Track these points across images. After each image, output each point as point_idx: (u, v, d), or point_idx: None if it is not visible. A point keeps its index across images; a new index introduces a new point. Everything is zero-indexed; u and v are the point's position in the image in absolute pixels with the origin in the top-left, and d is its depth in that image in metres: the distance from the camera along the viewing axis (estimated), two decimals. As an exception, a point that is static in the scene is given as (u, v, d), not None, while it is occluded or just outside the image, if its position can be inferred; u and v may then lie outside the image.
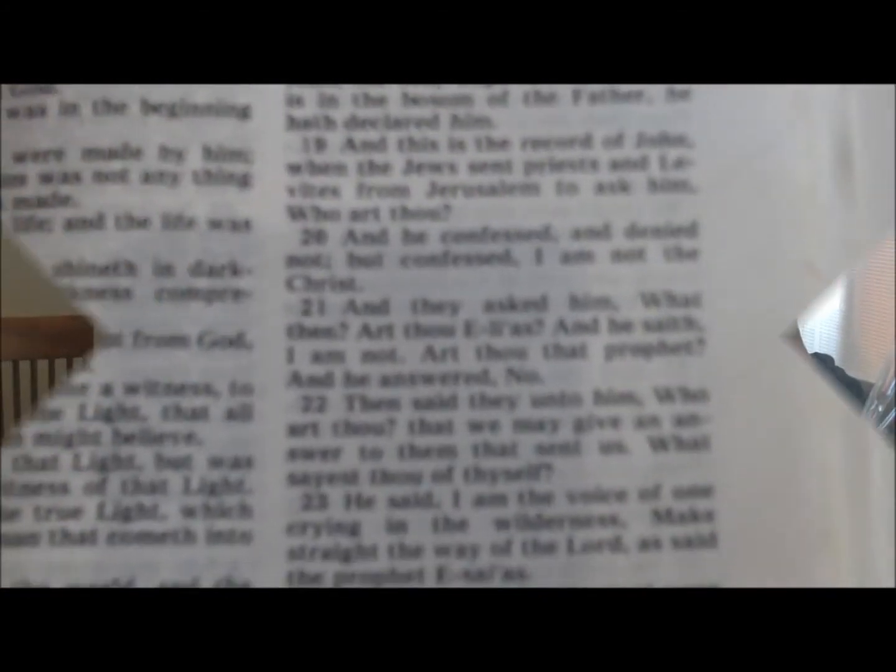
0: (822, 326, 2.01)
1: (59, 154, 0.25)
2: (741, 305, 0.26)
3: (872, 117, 0.27)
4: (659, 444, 0.26)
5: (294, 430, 0.25)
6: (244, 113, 0.26)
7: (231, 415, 0.25)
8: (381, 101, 0.26)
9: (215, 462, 0.25)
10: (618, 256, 0.26)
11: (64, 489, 0.24)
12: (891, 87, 0.26)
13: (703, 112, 0.26)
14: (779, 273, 0.26)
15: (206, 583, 0.24)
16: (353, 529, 0.25)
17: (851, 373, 0.71)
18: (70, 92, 0.25)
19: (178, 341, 0.25)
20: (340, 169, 0.26)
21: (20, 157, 0.25)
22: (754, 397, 0.25)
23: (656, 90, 0.26)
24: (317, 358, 0.25)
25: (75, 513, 0.24)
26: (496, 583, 0.24)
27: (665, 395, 0.25)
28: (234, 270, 0.25)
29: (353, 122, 0.26)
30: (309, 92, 0.26)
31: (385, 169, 0.26)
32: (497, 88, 0.26)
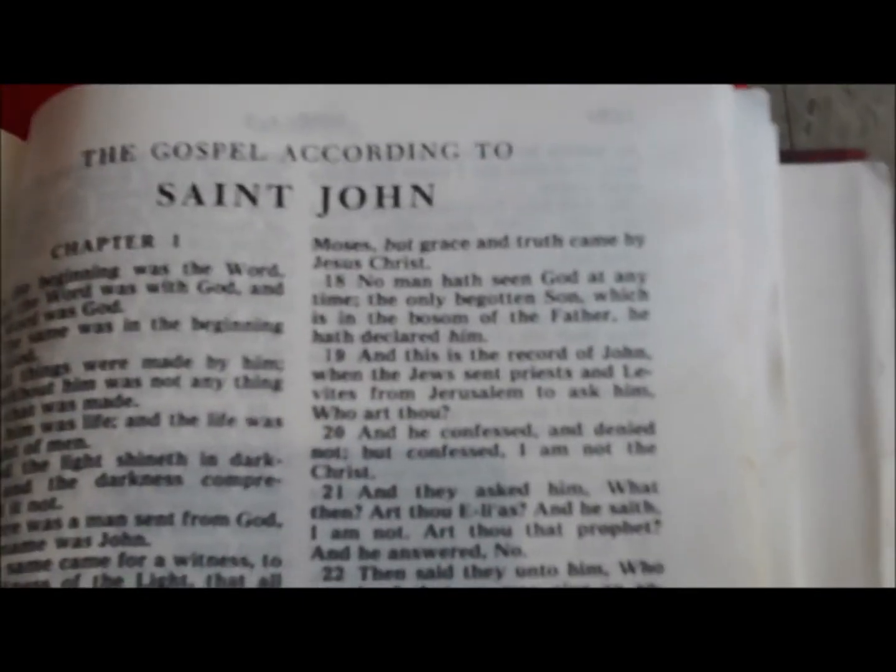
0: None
1: (123, 363, 0.33)
2: (691, 493, 0.33)
3: (800, 333, 0.34)
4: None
5: None
6: (277, 329, 0.33)
7: (264, 583, 0.32)
8: (391, 319, 0.34)
9: None
10: (588, 450, 0.33)
11: None
12: (814, 311, 0.34)
13: (658, 329, 0.33)
14: (722, 466, 0.33)
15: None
16: None
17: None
18: (133, 311, 0.33)
19: (219, 520, 0.32)
20: (357, 375, 0.33)
21: (90, 366, 0.33)
22: (702, 569, 0.32)
23: (620, 310, 0.34)
24: (336, 535, 0.32)
25: None
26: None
27: (628, 568, 0.32)
28: (268, 461, 0.32)
29: (368, 337, 0.34)
30: (331, 311, 0.34)
31: (394, 376, 0.33)
32: (488, 309, 0.34)
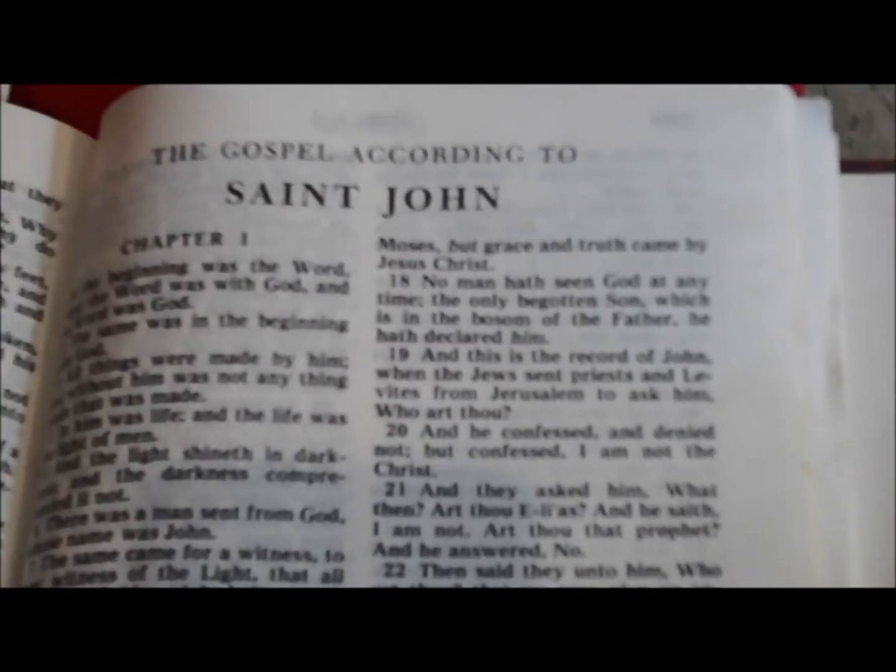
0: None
1: (190, 358, 0.34)
2: (750, 497, 0.33)
3: (859, 339, 0.35)
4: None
5: None
6: (342, 327, 0.34)
7: (326, 578, 0.32)
8: (454, 319, 0.34)
9: None
10: (648, 453, 0.33)
11: None
12: (873, 318, 0.35)
13: (718, 334, 0.34)
14: (781, 471, 0.33)
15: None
16: None
17: None
18: (201, 307, 0.34)
19: (283, 515, 0.33)
20: (420, 375, 0.34)
21: (158, 360, 0.34)
22: (760, 573, 0.33)
23: (681, 315, 0.34)
24: (398, 532, 0.33)
25: None
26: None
27: (686, 570, 0.32)
28: (331, 457, 0.33)
29: (432, 336, 0.34)
30: (395, 311, 0.34)
31: (457, 375, 0.34)
32: (550, 311, 0.34)
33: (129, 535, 0.32)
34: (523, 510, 0.33)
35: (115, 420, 0.33)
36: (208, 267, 0.33)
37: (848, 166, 0.36)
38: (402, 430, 0.33)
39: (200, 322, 0.34)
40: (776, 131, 0.35)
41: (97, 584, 0.32)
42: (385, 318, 0.34)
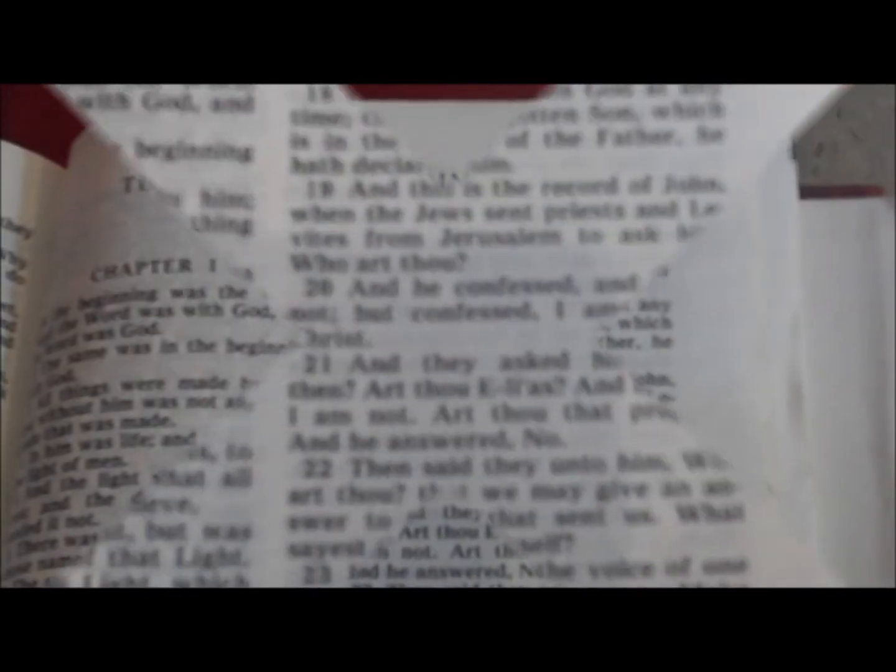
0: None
1: (159, 383, 0.34)
2: None
3: (819, 361, 0.36)
4: (688, 514, 0.28)
5: (295, 497, 0.28)
6: (245, 155, 0.30)
7: (228, 480, 0.29)
8: (391, 143, 0.29)
9: (210, 532, 0.28)
10: (644, 307, 0.29)
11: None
12: (833, 340, 0.35)
13: (681, 357, 0.34)
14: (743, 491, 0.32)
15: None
16: None
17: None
18: (170, 333, 0.34)
19: None
20: (348, 215, 0.29)
21: (128, 386, 0.34)
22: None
23: (644, 338, 0.33)
24: (321, 419, 0.28)
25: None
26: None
27: (695, 461, 0.28)
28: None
29: (363, 165, 0.29)
30: (315, 133, 0.29)
31: (396, 215, 0.29)
32: (516, 129, 0.29)
33: None
34: (483, 388, 0.28)
35: (84, 445, 0.33)
36: (177, 294, 0.34)
37: (808, 192, 0.37)
38: (326, 288, 0.29)
39: (169, 348, 0.34)
40: (736, 154, 0.35)
41: (66, 608, 0.31)
42: (302, 142, 0.30)
